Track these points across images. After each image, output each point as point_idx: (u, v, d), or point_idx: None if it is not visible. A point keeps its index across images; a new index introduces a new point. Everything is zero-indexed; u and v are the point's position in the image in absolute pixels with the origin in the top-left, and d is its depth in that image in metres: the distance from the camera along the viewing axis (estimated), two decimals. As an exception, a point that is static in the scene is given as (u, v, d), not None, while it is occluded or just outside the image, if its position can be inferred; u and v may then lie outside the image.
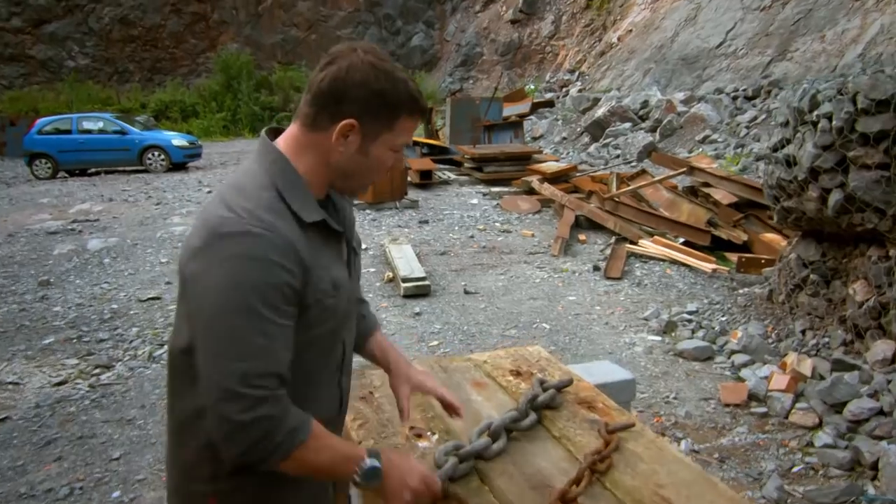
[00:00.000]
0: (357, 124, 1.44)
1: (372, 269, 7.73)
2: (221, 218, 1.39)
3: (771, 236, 7.31)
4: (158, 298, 6.97)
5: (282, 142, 1.54)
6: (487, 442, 2.09)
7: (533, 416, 2.31)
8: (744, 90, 14.71)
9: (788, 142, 4.96)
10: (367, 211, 10.35)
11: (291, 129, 1.53)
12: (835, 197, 4.56)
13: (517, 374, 2.85)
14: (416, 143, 14.52)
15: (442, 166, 13.43)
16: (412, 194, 11.10)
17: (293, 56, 24.35)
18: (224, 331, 1.36)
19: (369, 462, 1.49)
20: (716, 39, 17.59)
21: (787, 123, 5.00)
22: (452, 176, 12.97)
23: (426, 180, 12.06)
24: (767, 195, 5.44)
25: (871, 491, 3.58)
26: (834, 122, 4.52)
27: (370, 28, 24.73)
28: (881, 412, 3.97)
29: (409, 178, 11.54)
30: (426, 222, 9.90)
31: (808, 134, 4.71)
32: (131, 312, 6.57)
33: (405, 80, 1.50)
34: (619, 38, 21.47)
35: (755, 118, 13.27)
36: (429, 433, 2.36)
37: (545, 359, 3.03)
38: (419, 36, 25.42)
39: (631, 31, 21.10)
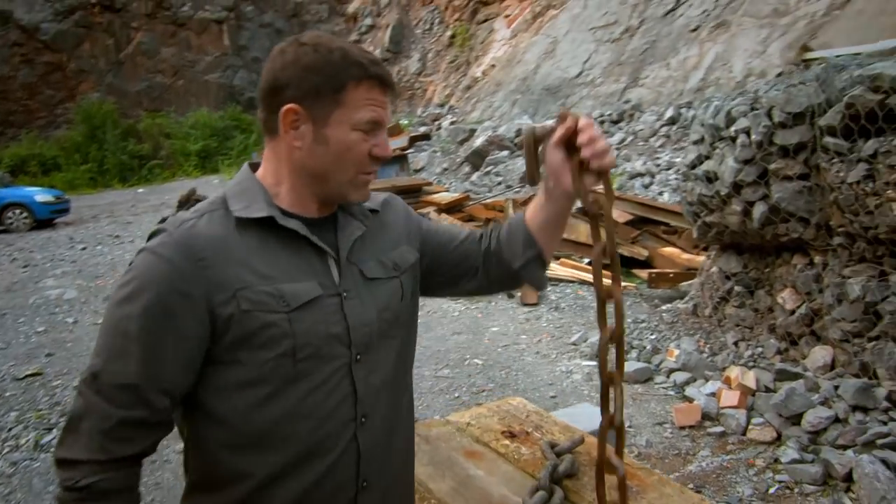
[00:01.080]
0: (300, 108, 1.23)
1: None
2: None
3: (669, 250, 7.27)
4: (39, 374, 5.96)
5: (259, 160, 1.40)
6: None
7: (560, 493, 1.93)
8: (608, 115, 15.05)
9: (706, 158, 4.84)
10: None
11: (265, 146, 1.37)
12: (759, 209, 4.44)
13: (511, 435, 2.44)
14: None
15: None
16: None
17: (161, 102, 23.03)
18: (103, 324, 1.22)
19: None
20: (574, 70, 18.01)
21: (702, 140, 4.89)
22: (343, 212, 12.39)
23: (320, 219, 11.45)
24: (687, 212, 5.30)
25: (847, 503, 3.39)
26: (753, 137, 4.41)
27: (239, 71, 23.80)
28: (837, 419, 3.81)
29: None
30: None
31: (728, 149, 4.59)
32: (7, 394, 5.57)
33: (342, 47, 1.26)
34: (483, 73, 21.69)
35: (623, 140, 13.56)
36: None
37: (534, 412, 2.63)
38: (289, 78, 24.82)
39: (494, 65, 21.35)
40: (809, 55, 5.28)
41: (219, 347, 1.23)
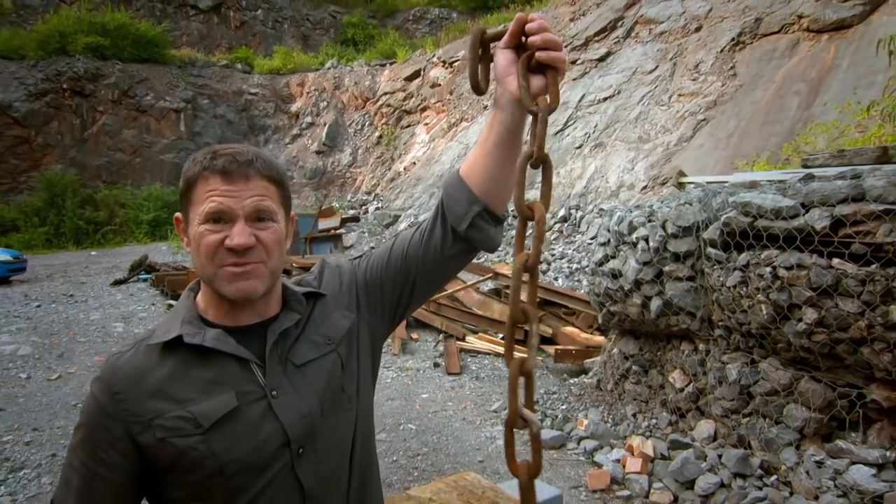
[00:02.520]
0: (180, 216, 1.20)
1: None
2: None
3: (570, 329, 7.36)
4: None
5: None
6: None
7: None
8: (511, 211, 15.34)
9: (611, 258, 4.97)
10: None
11: None
12: (655, 303, 4.57)
13: (471, 510, 2.32)
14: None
15: (272, 276, 12.43)
16: (250, 302, 10.05)
17: (118, 177, 22.05)
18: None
19: None
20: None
21: (608, 243, 5.02)
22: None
23: (261, 289, 11.04)
24: (594, 301, 5.40)
25: (734, 560, 3.40)
26: (650, 243, 4.57)
27: (191, 153, 23.15)
28: (723, 485, 3.86)
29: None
30: (268, 328, 8.90)
31: (630, 252, 4.74)
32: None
33: (210, 149, 1.17)
34: (405, 168, 21.94)
35: (523, 233, 13.80)
36: None
37: (489, 487, 2.53)
38: (236, 163, 24.29)
39: (415, 163, 21.65)
40: (684, 179, 5.57)
41: (154, 472, 1.12)
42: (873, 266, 3.63)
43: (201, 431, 1.07)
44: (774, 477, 3.80)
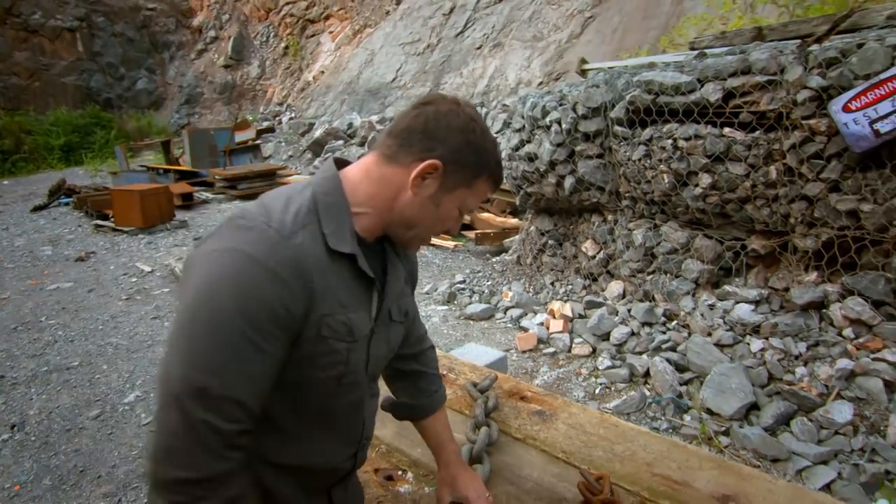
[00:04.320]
0: (441, 168, 1.00)
1: (166, 290, 6.27)
2: (243, 209, 0.95)
3: (486, 215, 7.32)
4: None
5: (351, 168, 1.07)
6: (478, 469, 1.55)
7: (495, 426, 1.79)
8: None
9: (527, 142, 4.83)
10: (141, 235, 8.49)
11: (366, 159, 1.07)
12: (569, 181, 4.52)
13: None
14: (166, 171, 12.41)
15: (198, 188, 11.60)
16: (179, 216, 9.35)
17: (18, 102, 19.40)
18: (196, 330, 0.85)
19: None
20: (390, 76, 17.66)
21: (523, 128, 4.86)
22: (210, 196, 11.24)
23: (188, 202, 10.29)
24: (511, 185, 5.30)
25: (647, 393, 3.57)
26: (563, 126, 4.44)
27: (94, 75, 20.67)
28: (633, 333, 4.00)
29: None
30: (200, 238, 8.34)
31: (544, 135, 4.61)
32: None
33: (496, 143, 1.08)
34: (314, 78, 20.64)
35: (433, 132, 13.50)
36: (400, 472, 1.68)
37: (443, 356, 2.44)
38: (143, 81, 21.92)
39: (323, 72, 20.38)
40: (587, 66, 5.41)
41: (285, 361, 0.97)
42: (757, 132, 3.67)
43: (351, 340, 1.01)
44: (675, 322, 3.97)
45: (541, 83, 14.29)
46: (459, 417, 1.91)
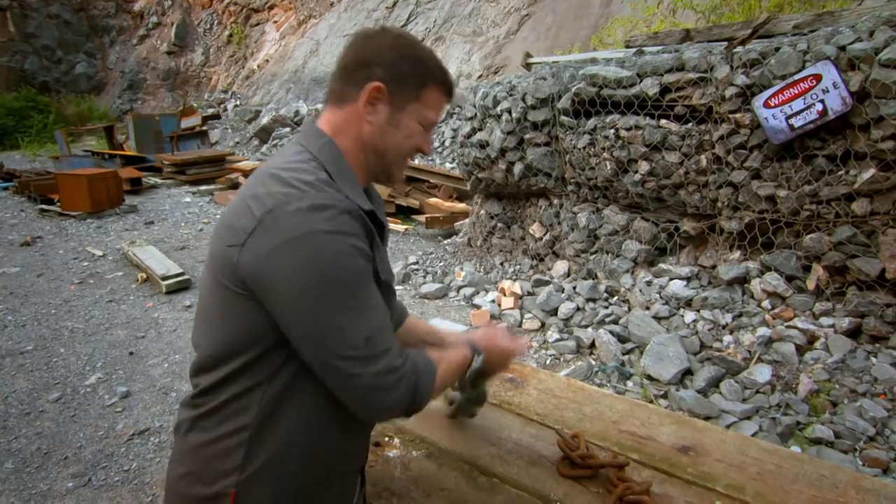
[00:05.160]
0: (384, 88, 0.98)
1: (119, 274, 5.96)
2: (282, 193, 0.88)
3: (434, 200, 7.31)
4: None
5: (322, 126, 1.04)
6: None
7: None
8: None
9: (478, 130, 4.84)
10: (90, 220, 7.99)
11: (325, 113, 1.05)
12: (518, 167, 4.57)
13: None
14: (111, 156, 11.71)
15: (146, 173, 11.01)
16: (128, 200, 8.86)
17: (-54, 83, 17.82)
18: (328, 306, 0.86)
19: (478, 361, 1.18)
20: (334, 66, 17.28)
21: (475, 117, 4.87)
22: (158, 181, 10.69)
23: (136, 186, 9.76)
24: (463, 170, 5.31)
25: (593, 363, 3.70)
26: (513, 115, 4.48)
27: (29, 57, 19.13)
28: (579, 309, 4.12)
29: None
30: (152, 223, 7.92)
31: (495, 124, 4.63)
32: None
33: (432, 53, 1.05)
34: (258, 66, 19.90)
35: (377, 121, 13.32)
36: (386, 438, 1.68)
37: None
38: (82, 65, 20.47)
39: (268, 60, 19.67)
40: (531, 60, 5.47)
41: None
42: (690, 124, 3.83)
43: (387, 287, 1.04)
44: (616, 297, 4.12)
45: (480, 76, 14.33)
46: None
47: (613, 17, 12.04)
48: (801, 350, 3.31)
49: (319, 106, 15.22)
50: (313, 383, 0.95)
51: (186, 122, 14.97)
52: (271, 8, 21.23)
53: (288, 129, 14.28)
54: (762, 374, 3.20)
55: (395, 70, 0.98)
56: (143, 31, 21.88)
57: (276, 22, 20.96)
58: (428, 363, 1.01)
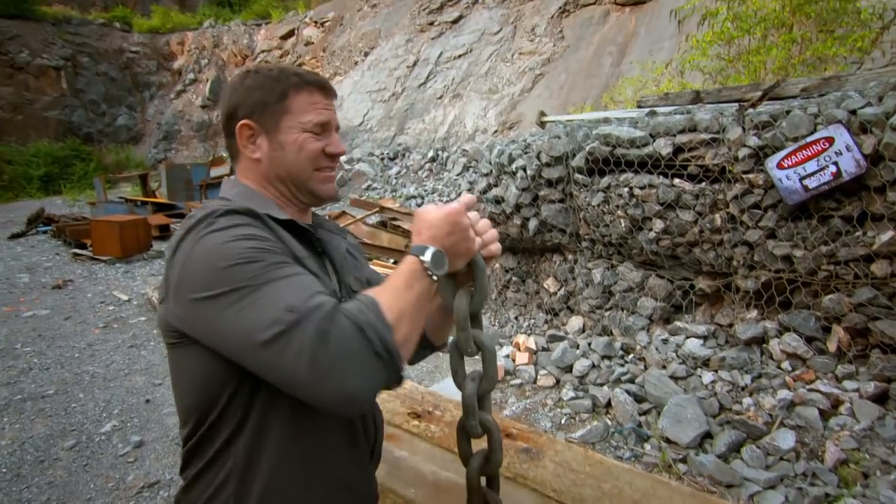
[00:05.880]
0: (250, 122, 1.00)
1: (143, 318, 5.92)
2: (199, 210, 0.90)
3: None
4: None
5: (238, 185, 1.05)
6: None
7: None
8: (387, 153, 14.89)
9: (493, 186, 4.81)
10: (118, 265, 8.05)
11: (232, 176, 1.07)
12: (533, 223, 4.50)
13: (417, 416, 2.10)
14: (143, 202, 11.92)
15: (174, 220, 11.17)
16: (157, 246, 8.94)
17: (0, 134, 18.53)
18: (241, 282, 0.79)
19: (427, 254, 0.89)
20: (357, 120, 17.65)
21: (490, 173, 4.85)
22: (186, 227, 10.77)
23: (165, 233, 9.87)
24: (479, 225, 5.23)
25: (609, 423, 3.51)
26: (528, 172, 4.45)
27: (77, 110, 19.88)
28: (594, 366, 3.96)
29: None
30: (178, 268, 7.95)
31: (510, 181, 4.60)
32: None
33: (279, 66, 1.06)
34: (288, 120, 20.43)
35: (399, 172, 13.47)
36: None
37: (427, 393, 2.32)
38: (123, 117, 21.20)
39: (297, 115, 20.21)
40: (546, 118, 5.49)
41: None
42: (703, 184, 3.75)
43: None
44: (632, 355, 3.96)
45: (496, 131, 14.51)
46: (450, 456, 1.80)
47: (623, 77, 12.20)
48: (825, 415, 3.11)
49: (343, 158, 15.49)
50: (283, 426, 0.91)
51: (216, 172, 15.29)
52: (299, 66, 21.97)
53: (312, 179, 14.49)
54: (785, 439, 3.00)
55: (251, 100, 1.00)
56: (180, 87, 22.70)
57: (304, 79, 21.64)
58: (363, 301, 0.83)
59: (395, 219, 8.40)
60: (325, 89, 1.05)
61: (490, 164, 4.89)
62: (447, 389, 2.68)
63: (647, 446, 3.22)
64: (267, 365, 0.78)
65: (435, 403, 2.21)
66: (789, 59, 7.52)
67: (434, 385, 2.89)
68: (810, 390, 3.27)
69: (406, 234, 8.05)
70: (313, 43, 21.21)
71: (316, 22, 21.52)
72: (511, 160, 4.62)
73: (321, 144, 1.03)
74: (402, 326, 0.83)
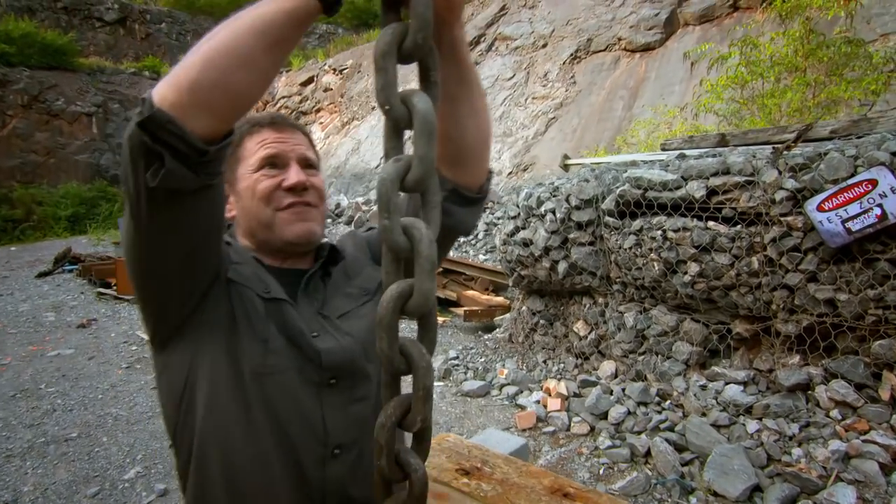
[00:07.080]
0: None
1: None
2: None
3: (471, 293, 7.11)
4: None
5: None
6: None
7: None
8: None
9: (521, 228, 4.72)
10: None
11: None
12: (562, 266, 4.38)
13: (465, 472, 1.95)
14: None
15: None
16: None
17: (33, 176, 18.80)
18: None
19: None
20: (374, 163, 17.83)
21: (518, 216, 4.77)
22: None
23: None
24: (506, 267, 5.11)
25: (649, 473, 3.30)
26: (557, 215, 4.36)
27: (105, 153, 20.31)
28: (629, 413, 3.77)
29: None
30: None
31: (539, 223, 4.51)
32: None
33: (246, 118, 1.00)
34: (307, 163, 20.70)
35: (416, 213, 13.47)
36: None
37: (474, 447, 2.16)
38: (150, 160, 21.56)
39: (315, 157, 20.49)
40: (569, 161, 5.44)
41: None
42: (739, 226, 3.64)
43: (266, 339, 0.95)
44: (669, 402, 3.77)
45: (510, 173, 14.58)
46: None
47: (636, 120, 12.25)
48: (885, 469, 2.89)
49: (359, 199, 15.56)
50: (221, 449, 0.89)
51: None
52: (318, 111, 22.41)
53: (329, 221, 14.54)
54: (845, 496, 2.78)
55: None
56: (205, 132, 23.10)
57: (321, 123, 22.04)
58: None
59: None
60: (275, 124, 1.00)
61: (517, 206, 4.81)
62: (488, 441, 2.52)
63: (693, 499, 3.01)
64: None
65: (483, 459, 2.06)
66: (804, 102, 7.50)
67: (476, 437, 2.73)
68: (865, 441, 3.06)
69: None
70: (332, 89, 21.70)
71: (335, 69, 22.07)
72: (539, 203, 4.54)
73: (276, 181, 0.96)
74: (183, 70, 0.68)
